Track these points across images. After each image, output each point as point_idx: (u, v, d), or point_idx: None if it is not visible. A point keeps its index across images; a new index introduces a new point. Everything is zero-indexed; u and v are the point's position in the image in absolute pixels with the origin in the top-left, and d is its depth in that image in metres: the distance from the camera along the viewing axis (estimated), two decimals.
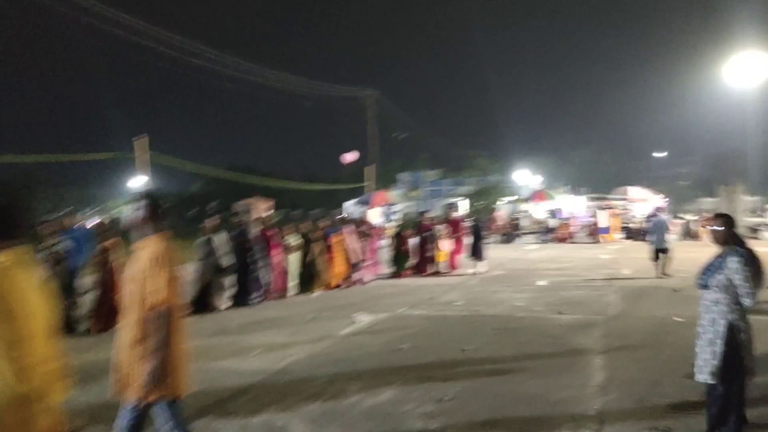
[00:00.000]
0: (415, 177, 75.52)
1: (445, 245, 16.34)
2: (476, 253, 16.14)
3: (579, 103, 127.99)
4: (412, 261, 15.84)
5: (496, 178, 68.19)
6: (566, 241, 27.01)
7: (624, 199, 30.95)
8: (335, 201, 54.91)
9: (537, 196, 38.16)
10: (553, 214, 31.68)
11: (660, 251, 14.41)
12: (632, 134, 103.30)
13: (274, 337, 8.52)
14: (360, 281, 14.01)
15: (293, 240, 12.53)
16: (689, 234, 25.59)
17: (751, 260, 4.10)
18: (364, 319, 9.59)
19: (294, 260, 12.48)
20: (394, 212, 30.62)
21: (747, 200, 32.09)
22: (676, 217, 30.03)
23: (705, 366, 4.19)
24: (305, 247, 12.75)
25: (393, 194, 35.41)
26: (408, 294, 12.46)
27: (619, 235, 27.42)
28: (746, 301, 4.07)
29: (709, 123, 74.24)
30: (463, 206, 53.19)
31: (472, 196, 60.54)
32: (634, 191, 31.94)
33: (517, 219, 31.69)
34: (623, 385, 5.86)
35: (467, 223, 17.14)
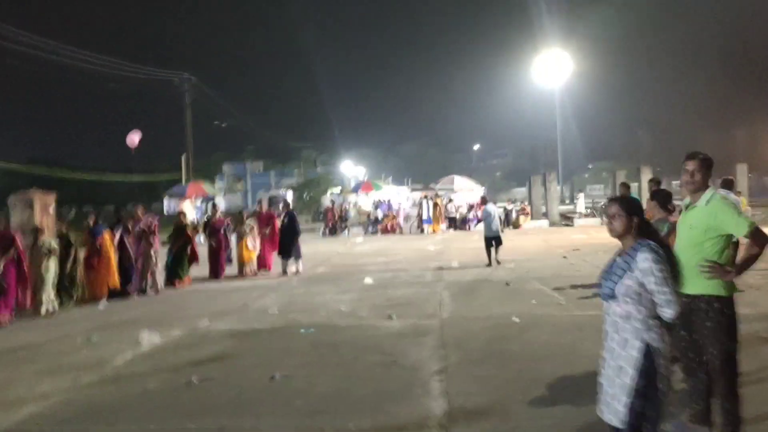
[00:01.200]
0: (240, 168, 72.55)
1: (253, 243, 14.09)
2: (289, 250, 13.90)
3: (404, 98, 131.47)
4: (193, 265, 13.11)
5: (324, 169, 67.40)
6: (393, 232, 26.41)
7: (451, 189, 31.15)
8: (156, 194, 50.56)
9: (364, 186, 37.56)
10: (378, 205, 31.12)
11: (492, 239, 14.12)
12: (453, 129, 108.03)
13: (11, 374, 6.32)
14: (145, 290, 11.70)
15: (49, 244, 10.01)
16: (509, 222, 26.13)
17: (666, 256, 2.88)
18: (152, 339, 7.62)
19: (52, 268, 9.97)
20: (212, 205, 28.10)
21: (556, 189, 33.90)
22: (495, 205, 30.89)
23: (613, 403, 2.90)
24: (68, 251, 10.36)
25: (210, 186, 32.72)
26: (215, 301, 10.59)
27: (443, 226, 27.39)
28: (667, 313, 2.84)
29: (521, 117, 79.30)
30: (289, 198, 51.64)
31: (299, 188, 59.11)
32: (460, 181, 32.33)
33: (343, 211, 30.66)
34: (469, 417, 4.63)
35: (284, 217, 14.45)
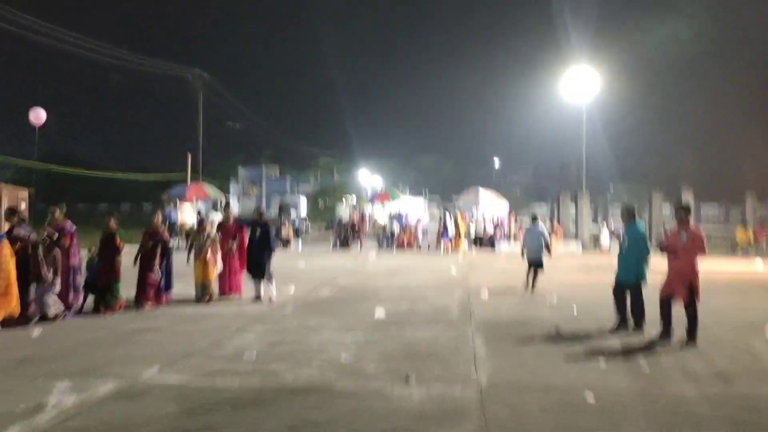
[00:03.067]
0: (256, 172, 70.82)
1: (215, 260, 11.21)
2: (260, 269, 11.05)
3: (424, 109, 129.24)
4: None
5: (340, 177, 65.35)
6: (410, 248, 23.99)
7: (475, 203, 28.66)
8: None
9: (380, 196, 35.24)
10: (396, 217, 28.81)
11: (534, 266, 12.32)
12: (473, 142, 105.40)
13: None
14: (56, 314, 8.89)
15: None
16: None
17: None
18: (63, 400, 5.30)
19: None
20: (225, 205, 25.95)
21: (588, 209, 31.36)
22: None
23: None
24: None
25: (213, 188, 30.51)
26: (180, 335, 8.25)
27: (465, 244, 24.95)
28: None
29: (544, 133, 76.70)
30: (303, 204, 49.43)
31: (315, 195, 57.03)
32: (485, 194, 29.77)
33: (355, 222, 28.34)
34: None
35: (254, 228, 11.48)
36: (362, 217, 30.47)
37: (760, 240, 24.48)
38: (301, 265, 18.01)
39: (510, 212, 29.51)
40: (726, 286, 13.71)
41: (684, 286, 7.67)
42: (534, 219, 13.65)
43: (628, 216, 8.89)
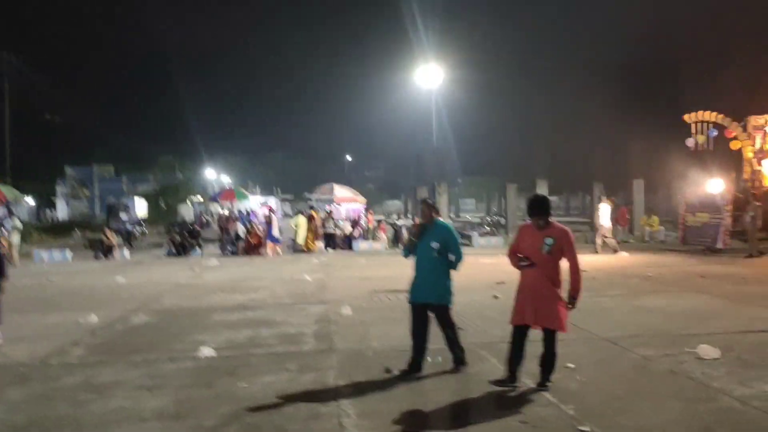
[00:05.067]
0: (86, 172, 63.96)
1: None
2: None
3: (272, 106, 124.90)
4: None
5: (185, 176, 60.48)
6: (257, 252, 21.15)
7: (330, 200, 26.37)
8: None
9: (224, 195, 31.97)
10: (243, 217, 25.82)
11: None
12: (324, 139, 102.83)
13: None
14: None
15: None
16: (399, 241, 21.88)
17: None
18: None
19: None
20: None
21: (446, 203, 30.34)
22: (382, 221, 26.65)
23: None
24: None
25: (10, 190, 25.64)
26: None
27: (321, 244, 22.61)
28: None
29: (395, 129, 76.36)
30: (138, 205, 44.50)
31: (154, 195, 52.00)
32: (341, 190, 27.59)
33: (193, 224, 25.01)
34: None
35: None
36: (228, 217, 26.95)
37: (623, 224, 24.45)
38: (120, 279, 14.68)
39: (368, 209, 27.61)
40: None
41: (541, 308, 5.30)
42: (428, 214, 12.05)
43: (429, 212, 6.19)
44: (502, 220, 32.68)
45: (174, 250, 22.11)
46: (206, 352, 7.05)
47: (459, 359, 6.12)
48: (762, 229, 16.82)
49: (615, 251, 17.83)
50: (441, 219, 6.53)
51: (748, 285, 11.47)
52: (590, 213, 30.02)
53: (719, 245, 17.45)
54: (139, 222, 36.48)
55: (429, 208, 6.19)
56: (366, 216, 25.31)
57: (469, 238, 22.79)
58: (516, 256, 5.50)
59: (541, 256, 5.27)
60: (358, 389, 5.58)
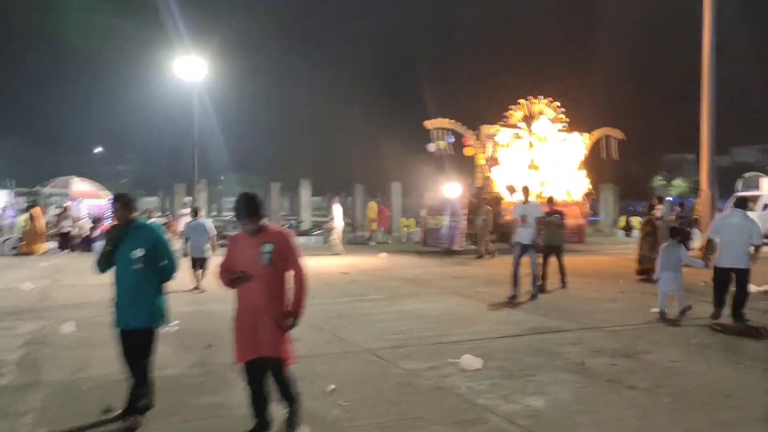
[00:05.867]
0: None
1: None
2: None
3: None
4: None
5: None
6: None
7: (65, 194, 22.94)
8: None
9: None
10: None
11: (198, 261, 11.42)
12: (68, 127, 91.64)
13: None
14: None
15: None
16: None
17: None
18: None
19: None
20: None
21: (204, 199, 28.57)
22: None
23: None
24: None
25: None
26: None
27: (50, 244, 19.53)
28: None
29: (154, 120, 71.10)
30: None
31: None
32: (81, 185, 24.19)
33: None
34: None
35: None
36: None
37: (384, 226, 24.90)
38: None
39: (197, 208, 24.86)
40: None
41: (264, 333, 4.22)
42: (196, 213, 12.23)
43: (125, 211, 4.80)
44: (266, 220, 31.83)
45: None
46: None
47: (142, 407, 4.65)
48: (492, 232, 17.91)
49: (337, 254, 17.90)
50: (144, 219, 5.30)
51: (498, 286, 11.96)
52: (353, 214, 30.62)
53: (455, 247, 18.35)
54: None
55: (125, 207, 4.75)
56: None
57: (227, 238, 21.45)
58: (227, 273, 4.26)
59: (261, 268, 4.13)
60: None
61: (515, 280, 9.98)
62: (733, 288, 8.06)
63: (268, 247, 4.14)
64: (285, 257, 4.21)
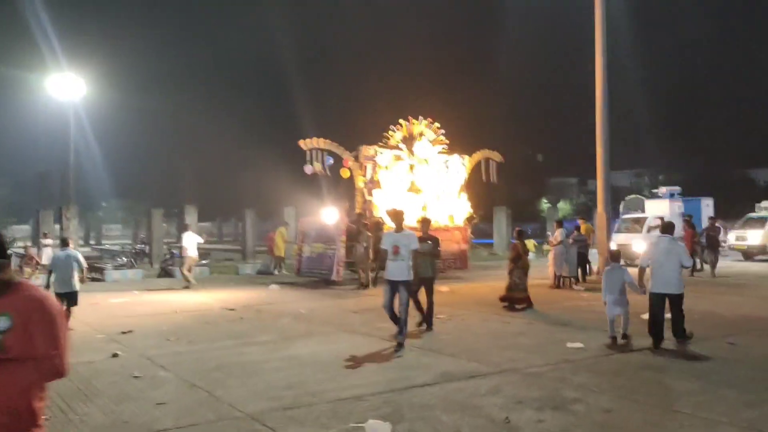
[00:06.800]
0: None
1: None
2: None
3: None
4: None
5: None
6: None
7: None
8: None
9: None
10: None
11: (64, 296, 9.79)
12: None
13: None
14: None
15: None
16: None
17: None
18: None
19: None
20: None
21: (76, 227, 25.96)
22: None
23: None
24: None
25: None
26: None
27: None
28: None
29: (25, 142, 65.51)
30: None
31: None
32: None
33: None
34: None
35: None
36: None
37: (271, 253, 23.09)
38: None
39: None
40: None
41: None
42: (64, 243, 10.90)
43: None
44: (148, 249, 29.39)
45: None
46: None
47: None
48: (374, 260, 16.72)
49: (186, 287, 16.04)
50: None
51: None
52: (243, 241, 28.92)
53: (334, 277, 17.01)
54: None
55: None
56: None
57: (101, 271, 19.21)
58: None
59: None
60: None
61: (396, 321, 8.66)
62: (668, 314, 8.10)
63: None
64: (31, 335, 2.50)
